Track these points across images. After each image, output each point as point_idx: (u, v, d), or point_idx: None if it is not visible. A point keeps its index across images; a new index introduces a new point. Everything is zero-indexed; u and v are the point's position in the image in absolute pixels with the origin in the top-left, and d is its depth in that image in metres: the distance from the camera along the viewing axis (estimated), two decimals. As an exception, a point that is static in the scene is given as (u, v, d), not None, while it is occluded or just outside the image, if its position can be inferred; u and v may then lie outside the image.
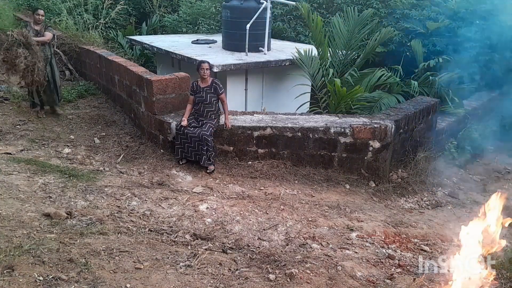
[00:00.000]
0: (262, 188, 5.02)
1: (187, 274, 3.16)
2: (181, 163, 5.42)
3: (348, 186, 5.32)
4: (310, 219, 4.37)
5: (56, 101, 6.67)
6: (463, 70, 7.82)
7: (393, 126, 5.42)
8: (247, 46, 7.49)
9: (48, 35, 6.46)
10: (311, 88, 7.27)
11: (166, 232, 3.82)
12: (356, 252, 3.83)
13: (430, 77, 7.18)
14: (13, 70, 6.03)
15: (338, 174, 5.44)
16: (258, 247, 3.73)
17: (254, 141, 5.46)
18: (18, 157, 5.07)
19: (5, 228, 3.38)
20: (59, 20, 9.55)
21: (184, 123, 5.30)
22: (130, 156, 5.66)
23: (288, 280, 3.24)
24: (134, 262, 3.21)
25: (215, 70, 6.45)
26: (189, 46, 8.32)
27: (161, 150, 5.72)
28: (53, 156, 5.34)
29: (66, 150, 5.59)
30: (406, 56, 8.53)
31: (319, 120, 5.59)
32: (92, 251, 3.23)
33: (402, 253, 3.91)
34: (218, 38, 8.86)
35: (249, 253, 3.62)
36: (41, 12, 6.44)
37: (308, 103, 7.25)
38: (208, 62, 5.46)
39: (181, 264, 3.28)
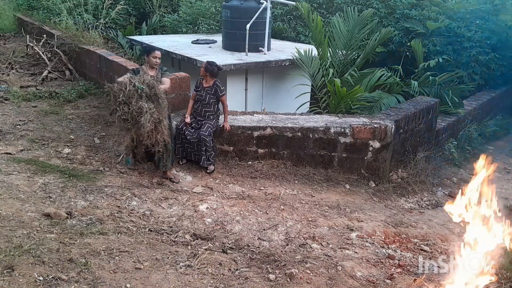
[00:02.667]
0: (262, 188, 5.02)
1: (187, 274, 3.16)
2: (181, 163, 5.42)
3: (348, 186, 5.32)
4: (310, 219, 4.37)
5: (169, 164, 5.02)
6: (463, 70, 7.84)
7: (393, 126, 5.42)
8: (247, 46, 7.49)
9: (167, 82, 5.05)
10: (311, 88, 7.27)
11: (166, 232, 3.82)
12: (356, 252, 3.83)
13: (430, 77, 7.18)
14: (135, 130, 4.61)
15: (338, 174, 5.44)
16: (258, 247, 3.73)
17: (254, 141, 5.46)
18: (18, 157, 5.07)
19: (5, 228, 3.38)
20: (59, 20, 9.55)
21: (188, 120, 5.31)
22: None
23: (288, 280, 3.24)
24: (134, 262, 3.21)
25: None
26: (189, 46, 8.32)
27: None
28: (53, 156, 5.34)
29: (66, 150, 5.59)
30: (406, 56, 8.54)
31: (319, 120, 5.59)
32: (92, 251, 3.23)
33: (402, 253, 3.91)
34: (218, 38, 8.86)
35: (249, 253, 3.62)
36: (158, 53, 5.00)
37: (308, 103, 7.26)
38: (212, 63, 5.42)
39: (181, 264, 3.28)
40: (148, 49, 5.14)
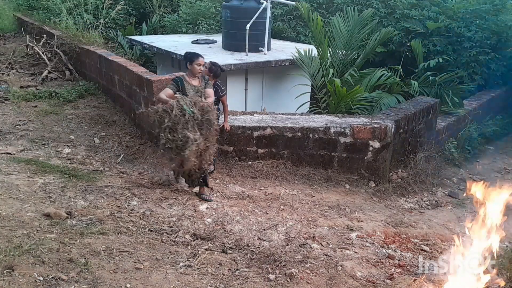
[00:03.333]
0: (262, 188, 5.01)
1: (187, 274, 3.15)
2: (181, 163, 5.41)
3: (348, 186, 5.32)
4: (310, 219, 4.37)
5: (206, 180, 4.63)
6: (463, 70, 7.84)
7: (393, 126, 5.42)
8: (247, 46, 7.49)
9: (212, 94, 4.49)
10: (311, 88, 7.27)
11: (166, 232, 3.81)
12: (356, 252, 3.83)
13: (430, 77, 7.18)
14: (179, 161, 4.16)
15: (338, 174, 5.44)
16: (258, 247, 3.73)
17: (254, 141, 5.46)
18: (18, 157, 5.07)
19: (5, 228, 3.38)
20: (59, 20, 9.55)
21: None
22: (130, 156, 5.65)
23: (288, 280, 3.24)
24: (134, 262, 3.21)
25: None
26: (189, 46, 8.32)
27: (161, 150, 5.71)
28: (53, 156, 5.34)
29: (66, 150, 5.59)
30: (406, 56, 8.54)
31: (319, 120, 5.59)
32: (92, 251, 3.23)
33: (402, 253, 3.91)
34: (218, 38, 8.86)
35: (249, 253, 3.62)
36: (202, 60, 4.37)
37: (308, 103, 7.26)
38: (213, 63, 5.40)
39: (181, 264, 3.28)
40: (191, 56, 4.42)
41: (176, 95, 4.17)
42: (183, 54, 7.36)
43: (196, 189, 4.84)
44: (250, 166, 5.43)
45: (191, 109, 3.97)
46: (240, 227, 4.08)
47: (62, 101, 7.40)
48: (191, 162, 4.07)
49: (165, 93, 4.29)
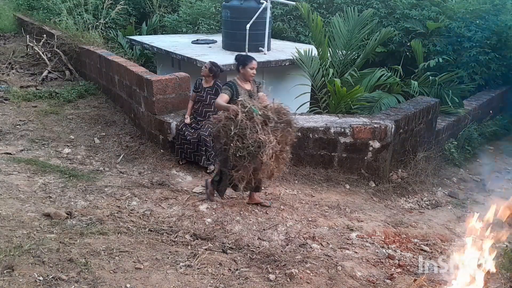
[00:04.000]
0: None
1: (187, 274, 3.15)
2: (181, 163, 5.42)
3: (348, 186, 5.32)
4: (310, 219, 4.37)
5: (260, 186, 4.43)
6: (463, 70, 7.84)
7: (393, 126, 5.42)
8: (247, 46, 7.49)
9: (265, 98, 4.21)
10: (311, 88, 7.27)
11: (166, 232, 3.81)
12: (356, 252, 3.83)
13: (430, 77, 7.18)
14: (254, 168, 3.78)
15: (338, 174, 5.44)
16: (258, 247, 3.73)
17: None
18: (18, 157, 5.07)
19: (5, 228, 3.38)
20: (59, 20, 9.55)
21: (187, 121, 5.31)
22: (130, 156, 5.66)
23: (288, 280, 3.24)
24: (134, 262, 3.21)
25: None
26: (189, 46, 8.32)
27: (161, 150, 5.72)
28: (53, 156, 5.34)
29: (66, 150, 5.59)
30: (406, 56, 8.54)
31: (319, 120, 5.59)
32: (92, 251, 3.23)
33: (402, 253, 3.91)
34: (218, 38, 8.86)
35: (249, 253, 3.62)
36: (255, 63, 4.16)
37: (308, 103, 7.26)
38: (212, 63, 5.38)
39: (181, 264, 3.28)
40: (243, 59, 4.20)
41: (239, 99, 3.89)
42: (183, 54, 7.43)
43: (197, 188, 4.84)
44: (250, 166, 5.42)
45: (257, 110, 3.66)
46: (240, 227, 4.08)
47: (62, 101, 7.40)
48: (269, 166, 3.71)
49: (222, 99, 4.00)
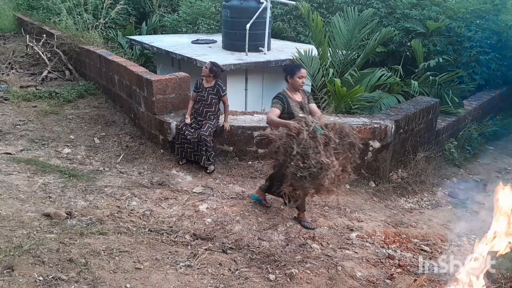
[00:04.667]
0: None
1: (187, 274, 3.15)
2: (181, 163, 5.41)
3: (348, 186, 5.31)
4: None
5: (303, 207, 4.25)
6: (463, 70, 7.83)
7: (393, 126, 5.41)
8: (247, 46, 7.49)
9: (317, 110, 4.03)
10: (311, 88, 7.27)
11: (166, 232, 3.81)
12: (356, 252, 3.84)
13: (430, 77, 7.18)
14: (314, 188, 3.57)
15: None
16: (258, 247, 3.73)
17: (254, 141, 5.46)
18: (18, 157, 5.07)
19: (5, 228, 3.38)
20: (59, 20, 9.55)
21: (188, 121, 5.31)
22: (130, 156, 5.65)
23: (288, 280, 3.24)
24: (134, 262, 3.21)
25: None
26: (189, 46, 8.32)
27: (161, 150, 5.72)
28: (53, 156, 5.34)
29: (66, 150, 5.59)
30: (406, 56, 8.54)
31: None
32: (92, 251, 3.23)
33: (402, 253, 3.91)
34: (218, 38, 8.86)
35: (249, 253, 3.62)
36: (304, 72, 3.94)
37: (308, 103, 7.24)
38: (212, 62, 5.38)
39: (181, 264, 3.28)
40: (292, 68, 4.00)
41: (300, 115, 3.68)
42: (183, 54, 7.43)
43: (197, 189, 4.84)
44: (250, 166, 5.43)
45: (321, 129, 3.41)
46: (240, 227, 4.08)
47: (62, 101, 7.40)
48: (330, 191, 3.55)
49: (274, 113, 3.73)
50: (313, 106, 4.05)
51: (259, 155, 5.51)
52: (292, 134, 3.47)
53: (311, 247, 3.82)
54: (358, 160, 3.69)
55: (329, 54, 7.18)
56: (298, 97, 3.96)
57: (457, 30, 8.23)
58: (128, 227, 3.78)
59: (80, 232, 3.50)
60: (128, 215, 4.06)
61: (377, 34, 7.33)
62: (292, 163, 3.45)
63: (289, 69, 4.05)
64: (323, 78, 6.83)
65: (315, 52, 7.21)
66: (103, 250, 3.28)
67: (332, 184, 3.46)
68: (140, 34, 11.24)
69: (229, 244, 3.74)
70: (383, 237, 4.17)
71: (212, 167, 5.28)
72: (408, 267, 3.66)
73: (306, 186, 3.50)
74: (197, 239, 3.77)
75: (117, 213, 4.04)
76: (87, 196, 4.30)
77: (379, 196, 5.26)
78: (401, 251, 3.96)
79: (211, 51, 7.86)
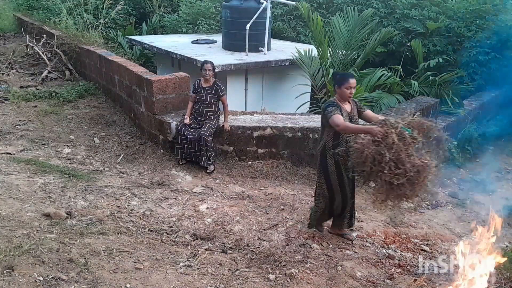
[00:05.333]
0: (262, 188, 5.01)
1: (187, 274, 3.15)
2: (181, 163, 5.41)
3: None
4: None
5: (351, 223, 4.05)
6: (463, 70, 7.83)
7: (393, 126, 5.40)
8: (247, 46, 7.49)
9: (377, 116, 3.74)
10: (311, 88, 7.27)
11: (166, 232, 3.81)
12: (356, 252, 3.84)
13: (430, 77, 7.18)
14: (410, 194, 3.26)
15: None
16: (258, 247, 3.73)
17: (254, 141, 5.46)
18: (18, 157, 5.07)
19: (5, 228, 3.38)
20: (59, 20, 9.55)
21: (187, 121, 5.32)
22: (130, 156, 5.65)
23: (288, 280, 3.24)
24: (134, 262, 3.21)
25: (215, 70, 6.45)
26: (189, 46, 8.32)
27: (161, 150, 5.72)
28: (53, 156, 5.34)
29: (66, 150, 5.59)
30: (406, 56, 8.54)
31: (319, 120, 5.57)
32: (92, 251, 3.23)
33: (402, 253, 3.91)
34: (218, 38, 8.86)
35: (249, 253, 3.62)
36: (352, 81, 3.61)
37: (308, 103, 7.25)
38: (212, 63, 5.42)
39: (181, 264, 3.28)
40: (339, 78, 3.69)
41: (382, 117, 3.47)
42: (183, 54, 7.43)
43: (197, 189, 4.83)
44: (250, 166, 5.43)
45: (410, 131, 3.16)
46: (240, 227, 4.08)
47: (62, 101, 7.40)
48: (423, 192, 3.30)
49: (341, 119, 3.47)
50: (369, 112, 3.73)
51: (259, 155, 5.51)
52: (378, 140, 3.16)
53: (311, 247, 3.82)
54: (446, 153, 3.45)
55: (329, 54, 7.18)
56: (347, 107, 3.68)
57: (457, 30, 8.23)
58: (128, 227, 3.78)
59: (80, 232, 3.50)
60: (128, 215, 4.06)
61: (377, 34, 7.33)
62: (385, 171, 3.11)
63: (337, 78, 3.75)
64: (323, 78, 6.83)
65: (315, 52, 7.22)
66: (103, 250, 3.28)
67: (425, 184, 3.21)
68: (140, 34, 11.24)
69: (229, 244, 3.74)
70: (383, 237, 4.17)
71: (212, 167, 5.28)
72: (408, 267, 3.66)
73: (406, 193, 3.20)
74: (197, 239, 3.77)
75: (117, 213, 4.04)
76: (87, 196, 4.30)
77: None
78: (401, 251, 3.96)
79: (211, 51, 7.86)
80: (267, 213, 4.41)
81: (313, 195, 4.05)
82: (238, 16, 7.63)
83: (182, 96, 5.90)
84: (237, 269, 3.33)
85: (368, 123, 3.67)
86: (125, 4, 11.03)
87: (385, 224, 4.48)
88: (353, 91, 3.63)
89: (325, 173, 3.73)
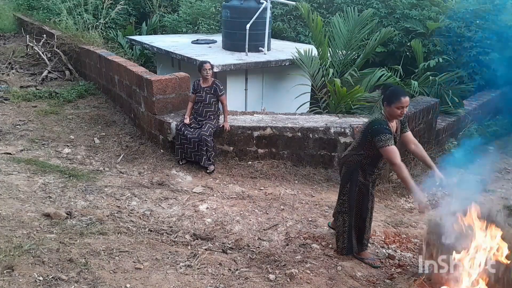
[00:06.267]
0: (262, 188, 5.01)
1: (187, 274, 3.15)
2: (181, 163, 5.41)
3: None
4: (310, 219, 4.37)
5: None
6: (463, 70, 7.84)
7: (393, 126, 5.41)
8: (247, 46, 7.49)
9: (414, 140, 3.66)
10: (311, 88, 7.27)
11: (166, 232, 3.81)
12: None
13: (430, 77, 7.18)
14: None
15: (338, 174, 5.43)
16: (258, 247, 3.73)
17: (254, 141, 5.46)
18: (18, 157, 5.07)
19: (5, 228, 3.37)
20: (59, 20, 9.55)
21: (187, 121, 5.32)
22: (130, 156, 5.65)
23: (288, 280, 3.24)
24: (134, 262, 3.21)
25: (215, 70, 6.45)
26: (189, 46, 8.32)
27: (161, 150, 5.72)
28: (53, 156, 5.34)
29: (66, 150, 5.59)
30: (406, 56, 8.54)
31: (319, 120, 5.59)
32: (92, 251, 3.23)
33: (402, 253, 3.91)
34: (218, 38, 8.86)
35: (249, 253, 3.62)
36: (406, 101, 3.21)
37: (308, 103, 7.25)
38: (210, 62, 5.44)
39: (181, 264, 3.28)
40: (391, 95, 3.23)
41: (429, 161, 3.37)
42: (183, 54, 7.43)
43: (197, 189, 4.84)
44: (250, 166, 5.43)
45: None
46: (240, 227, 4.08)
47: (62, 101, 7.40)
48: None
49: (397, 155, 3.28)
50: (409, 135, 3.50)
51: (259, 155, 5.51)
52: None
53: (311, 247, 3.82)
54: None
55: (329, 54, 7.18)
56: (393, 125, 3.32)
57: (457, 30, 8.23)
58: (128, 227, 3.78)
59: (80, 232, 3.50)
60: (128, 215, 4.06)
61: (377, 34, 7.33)
62: None
63: (387, 94, 3.29)
64: (323, 78, 6.83)
65: (315, 52, 7.22)
66: (103, 250, 3.28)
67: None
68: (140, 34, 11.24)
69: (229, 244, 3.74)
70: (383, 237, 4.17)
71: (212, 167, 5.28)
72: (408, 267, 3.66)
73: None
74: (197, 239, 3.77)
75: (117, 213, 4.04)
76: (87, 196, 4.30)
77: (379, 196, 5.26)
78: (401, 251, 3.96)
79: (211, 51, 7.86)
80: (267, 213, 4.41)
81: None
82: (238, 16, 7.63)
83: (182, 96, 5.90)
84: (237, 269, 3.33)
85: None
86: (125, 4, 11.03)
87: (385, 224, 4.48)
88: (405, 111, 3.21)
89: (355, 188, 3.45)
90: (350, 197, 3.51)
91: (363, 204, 3.52)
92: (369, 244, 4.00)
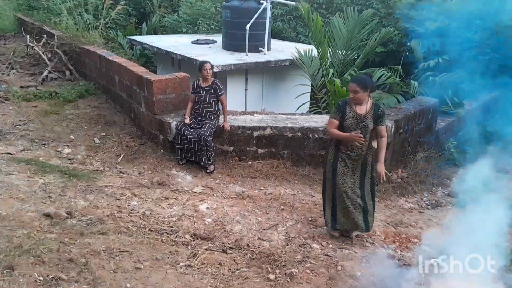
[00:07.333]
0: (262, 188, 5.02)
1: (187, 274, 3.16)
2: (181, 163, 5.42)
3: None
4: (310, 219, 4.37)
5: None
6: (463, 70, 7.83)
7: (393, 126, 5.41)
8: (247, 46, 7.50)
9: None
10: (311, 88, 7.28)
11: (166, 232, 3.82)
12: (356, 252, 3.84)
13: (430, 77, 7.18)
14: None
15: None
16: (258, 247, 3.73)
17: (254, 141, 5.46)
18: (18, 157, 5.07)
19: (5, 228, 3.38)
20: (59, 20, 9.56)
21: (187, 121, 5.32)
22: (130, 156, 5.66)
23: (288, 280, 3.24)
24: (134, 262, 3.21)
25: (215, 70, 6.46)
26: (189, 46, 8.33)
27: (161, 150, 5.72)
28: (53, 156, 5.34)
29: (66, 150, 5.59)
30: (406, 56, 8.54)
31: (319, 120, 5.59)
32: (92, 251, 3.23)
33: (402, 253, 3.91)
34: (218, 38, 8.87)
35: (249, 253, 3.62)
36: (350, 85, 3.75)
37: (308, 103, 7.26)
38: (210, 62, 5.45)
39: (181, 264, 3.28)
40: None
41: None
42: (183, 54, 7.43)
43: (197, 189, 4.83)
44: (250, 166, 5.43)
45: None
46: (240, 227, 4.08)
47: (62, 101, 7.40)
48: None
49: (332, 123, 3.72)
50: (378, 128, 3.76)
51: (259, 155, 5.51)
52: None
53: (311, 247, 3.83)
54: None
55: (329, 54, 7.18)
56: (361, 108, 3.66)
57: (457, 30, 8.22)
58: (128, 227, 3.78)
59: (80, 232, 3.50)
60: (128, 215, 4.06)
61: (377, 34, 7.34)
62: None
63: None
64: (323, 78, 6.84)
65: (315, 52, 7.22)
66: (103, 250, 3.28)
67: None
68: (140, 35, 11.25)
69: (229, 244, 3.74)
70: (383, 237, 4.18)
71: (212, 167, 5.28)
72: (408, 267, 3.66)
73: None
74: (197, 239, 3.77)
75: (117, 213, 4.04)
76: (87, 196, 4.30)
77: (379, 196, 5.26)
78: (401, 251, 3.96)
79: (211, 51, 7.87)
80: (267, 213, 4.41)
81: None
82: (238, 16, 7.64)
83: (182, 96, 5.90)
84: (237, 269, 3.33)
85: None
86: (125, 4, 11.04)
87: (385, 224, 4.49)
88: (352, 95, 3.61)
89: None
90: (324, 175, 3.97)
91: (334, 181, 3.84)
92: (368, 244, 4.00)
